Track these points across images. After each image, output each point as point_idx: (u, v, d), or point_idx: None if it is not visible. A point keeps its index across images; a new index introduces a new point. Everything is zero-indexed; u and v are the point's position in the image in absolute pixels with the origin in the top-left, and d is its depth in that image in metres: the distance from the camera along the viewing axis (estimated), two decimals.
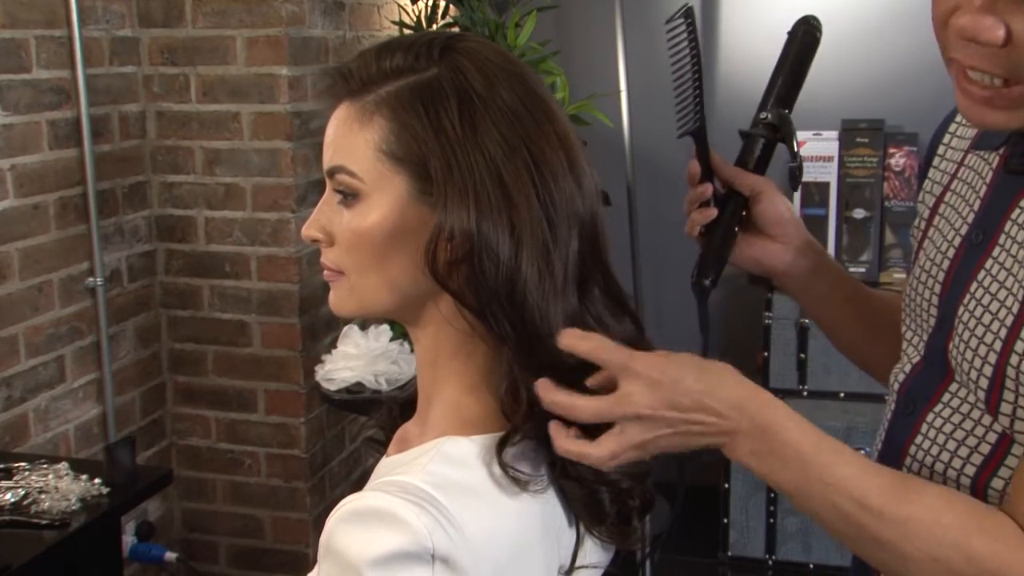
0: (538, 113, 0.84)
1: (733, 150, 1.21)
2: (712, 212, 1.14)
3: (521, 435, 0.82)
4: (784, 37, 1.22)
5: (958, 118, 1.14)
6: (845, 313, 1.27)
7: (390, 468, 0.84)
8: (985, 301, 0.96)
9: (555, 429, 0.82)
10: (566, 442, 0.82)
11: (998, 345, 0.93)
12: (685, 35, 1.10)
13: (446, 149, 0.81)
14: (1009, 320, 0.93)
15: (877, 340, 1.24)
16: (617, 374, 0.82)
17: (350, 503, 0.76)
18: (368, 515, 0.75)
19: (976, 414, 0.98)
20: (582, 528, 0.88)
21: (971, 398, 0.98)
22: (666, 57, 1.13)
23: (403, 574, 0.73)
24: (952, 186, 1.10)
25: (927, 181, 1.16)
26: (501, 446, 0.81)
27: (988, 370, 0.94)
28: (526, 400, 0.82)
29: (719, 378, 0.86)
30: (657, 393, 0.82)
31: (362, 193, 0.84)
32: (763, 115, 1.19)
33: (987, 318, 0.95)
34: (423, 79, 0.83)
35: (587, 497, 0.85)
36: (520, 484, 0.80)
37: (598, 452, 0.82)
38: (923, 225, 1.13)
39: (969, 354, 0.96)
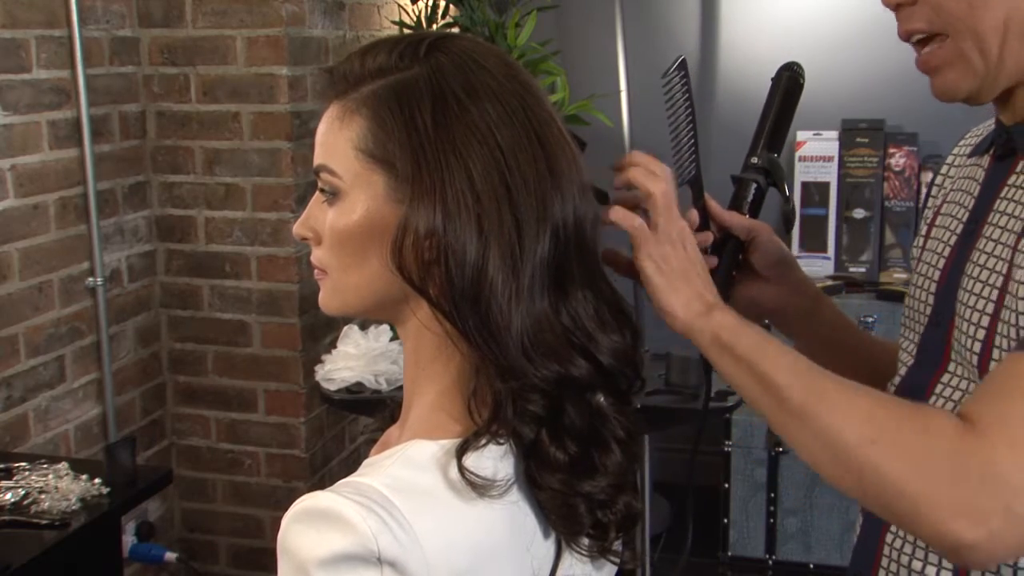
0: (518, 114, 0.83)
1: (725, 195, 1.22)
2: (713, 261, 1.14)
3: (486, 440, 0.80)
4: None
5: (956, 150, 1.22)
6: (843, 363, 1.27)
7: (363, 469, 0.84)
8: (983, 277, 1.02)
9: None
10: (614, 211, 0.98)
11: (990, 308, 0.99)
12: (680, 87, 1.12)
13: (415, 147, 0.81)
14: (999, 282, 0.98)
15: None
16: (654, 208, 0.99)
17: (302, 502, 0.77)
18: (317, 515, 0.75)
19: (973, 388, 1.02)
20: (563, 540, 0.86)
21: (967, 373, 1.03)
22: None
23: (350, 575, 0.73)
24: (948, 197, 1.16)
25: (930, 199, 1.23)
26: (462, 450, 0.80)
27: (981, 334, 0.99)
28: (492, 404, 0.81)
29: None
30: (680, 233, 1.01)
31: (342, 191, 0.85)
32: (753, 159, 1.20)
33: (978, 287, 1.01)
34: (403, 78, 0.83)
35: (561, 508, 0.84)
36: (477, 489, 0.79)
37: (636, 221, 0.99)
38: (921, 242, 1.19)
39: (965, 325, 1.02)
